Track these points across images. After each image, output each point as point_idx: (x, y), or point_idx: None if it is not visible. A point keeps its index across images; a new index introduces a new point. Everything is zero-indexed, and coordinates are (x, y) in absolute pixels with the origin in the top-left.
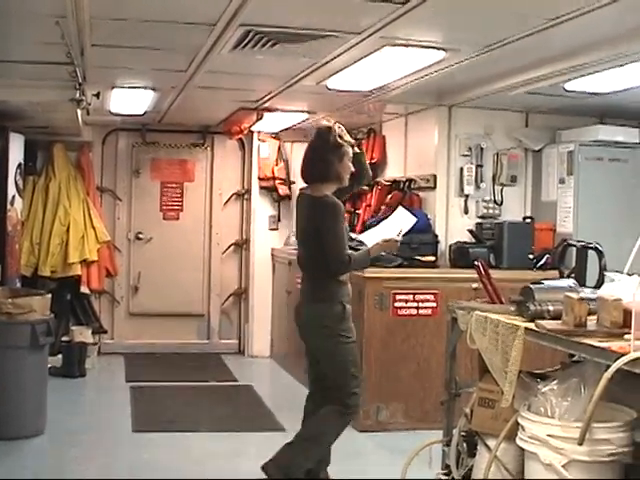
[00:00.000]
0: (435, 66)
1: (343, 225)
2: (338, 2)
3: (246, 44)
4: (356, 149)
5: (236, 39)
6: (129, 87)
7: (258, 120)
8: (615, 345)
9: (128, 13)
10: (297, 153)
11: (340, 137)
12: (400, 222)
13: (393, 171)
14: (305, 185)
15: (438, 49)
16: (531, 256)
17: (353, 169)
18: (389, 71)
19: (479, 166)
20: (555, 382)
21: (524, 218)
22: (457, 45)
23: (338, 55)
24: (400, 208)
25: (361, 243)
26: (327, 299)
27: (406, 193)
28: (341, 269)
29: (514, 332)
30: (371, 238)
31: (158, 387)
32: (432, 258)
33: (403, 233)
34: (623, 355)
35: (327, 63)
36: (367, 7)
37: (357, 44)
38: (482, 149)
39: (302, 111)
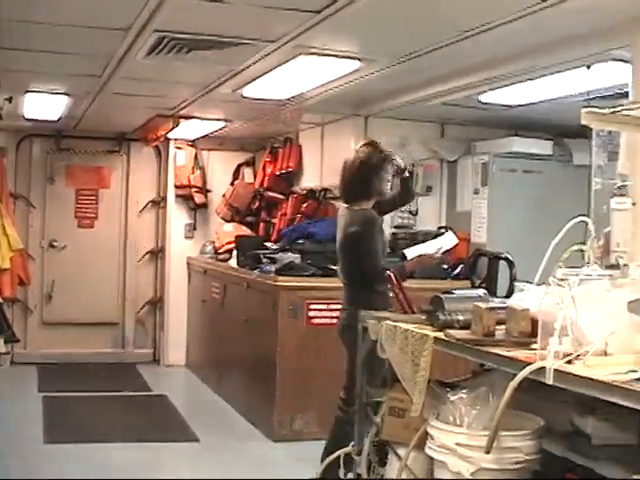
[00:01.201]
0: (351, 76)
1: (379, 238)
2: (252, 10)
3: (160, 50)
4: (406, 173)
5: (150, 45)
6: (43, 92)
7: (174, 127)
8: (522, 354)
9: (40, 16)
10: (214, 161)
11: (382, 152)
12: (444, 242)
13: (309, 180)
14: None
15: (353, 59)
16: (445, 266)
17: (397, 182)
18: (304, 80)
19: (395, 176)
20: (464, 391)
21: (439, 228)
22: (372, 55)
23: (253, 63)
24: (449, 232)
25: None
26: (364, 307)
27: (321, 202)
28: (376, 279)
29: (423, 342)
30: (414, 253)
31: (71, 397)
32: None
33: (442, 251)
34: (529, 364)
35: (243, 71)
36: (281, 15)
37: (272, 52)
38: None
39: (219, 119)
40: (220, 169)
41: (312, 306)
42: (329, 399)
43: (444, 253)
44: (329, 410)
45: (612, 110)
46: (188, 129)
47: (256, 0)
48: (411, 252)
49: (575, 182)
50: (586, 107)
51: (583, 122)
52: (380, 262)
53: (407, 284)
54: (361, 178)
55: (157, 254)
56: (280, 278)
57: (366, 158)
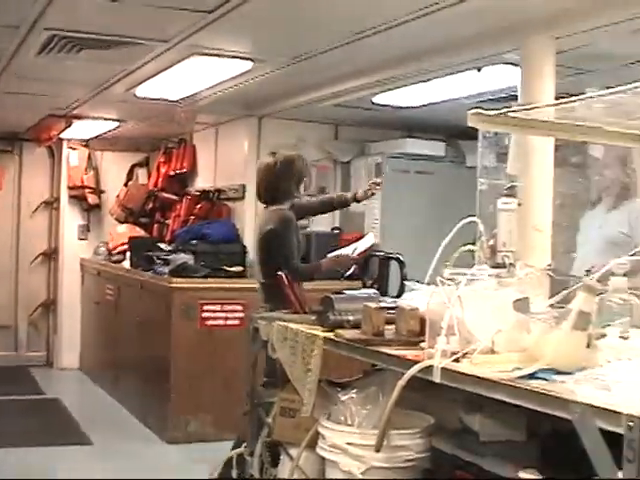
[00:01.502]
0: (243, 76)
1: (294, 237)
2: (144, 9)
3: (51, 49)
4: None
5: (41, 43)
6: None
7: (67, 127)
8: (410, 353)
9: None
10: (108, 161)
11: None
12: (360, 242)
13: (203, 181)
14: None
15: (246, 59)
16: None
17: (306, 178)
18: (197, 80)
19: None
20: (355, 391)
21: (332, 229)
22: (265, 56)
23: (146, 63)
24: (370, 234)
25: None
26: (279, 305)
27: (215, 203)
28: (299, 277)
29: (313, 342)
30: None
31: None
32: (240, 268)
33: (358, 251)
34: (417, 363)
35: (135, 71)
36: (173, 15)
37: (164, 52)
38: None
39: (112, 119)
40: (114, 170)
41: (206, 307)
42: (224, 400)
43: (360, 254)
44: (224, 411)
45: (498, 112)
46: (81, 129)
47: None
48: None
49: (468, 183)
50: (472, 109)
51: (470, 124)
52: (294, 260)
53: (303, 284)
54: (276, 180)
55: (50, 256)
56: (173, 279)
57: (280, 160)
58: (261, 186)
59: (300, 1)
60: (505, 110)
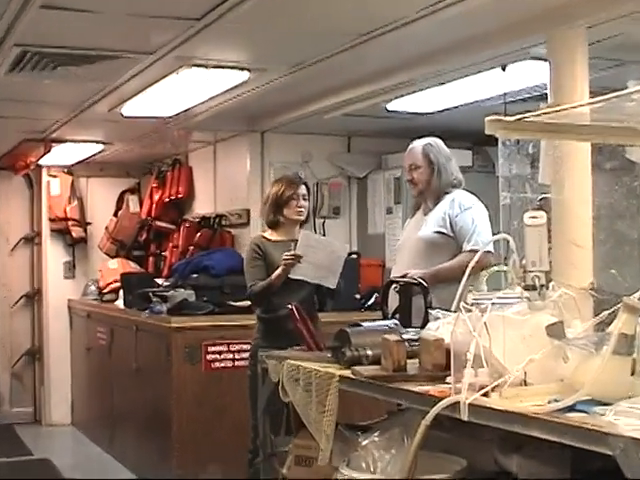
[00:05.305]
0: (240, 88)
1: (252, 260)
2: (125, 19)
3: (24, 66)
4: None
5: (12, 60)
6: None
7: (46, 153)
8: (436, 389)
9: None
10: (94, 189)
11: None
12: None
13: (202, 207)
14: None
15: (242, 69)
16: (358, 296)
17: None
18: (190, 94)
19: None
20: (377, 434)
21: (349, 254)
22: (262, 64)
23: (130, 78)
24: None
25: None
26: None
27: (216, 231)
28: (251, 301)
29: (329, 381)
30: None
31: None
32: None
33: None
34: (443, 399)
35: (119, 87)
36: (157, 24)
37: (151, 65)
38: None
39: (97, 141)
40: (101, 198)
41: (210, 348)
42: (234, 447)
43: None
44: (235, 459)
45: (519, 117)
46: (62, 154)
47: (128, 8)
48: None
49: (499, 194)
50: (493, 114)
51: (487, 132)
52: (250, 282)
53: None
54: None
55: (33, 298)
56: (173, 319)
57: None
58: None
59: (299, 1)
60: (527, 114)
